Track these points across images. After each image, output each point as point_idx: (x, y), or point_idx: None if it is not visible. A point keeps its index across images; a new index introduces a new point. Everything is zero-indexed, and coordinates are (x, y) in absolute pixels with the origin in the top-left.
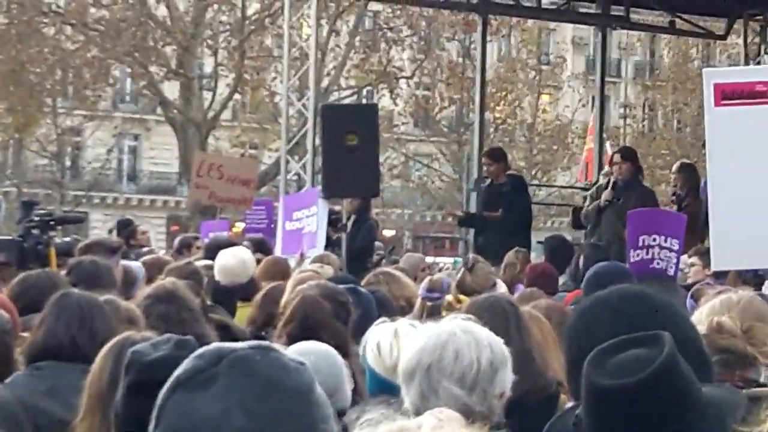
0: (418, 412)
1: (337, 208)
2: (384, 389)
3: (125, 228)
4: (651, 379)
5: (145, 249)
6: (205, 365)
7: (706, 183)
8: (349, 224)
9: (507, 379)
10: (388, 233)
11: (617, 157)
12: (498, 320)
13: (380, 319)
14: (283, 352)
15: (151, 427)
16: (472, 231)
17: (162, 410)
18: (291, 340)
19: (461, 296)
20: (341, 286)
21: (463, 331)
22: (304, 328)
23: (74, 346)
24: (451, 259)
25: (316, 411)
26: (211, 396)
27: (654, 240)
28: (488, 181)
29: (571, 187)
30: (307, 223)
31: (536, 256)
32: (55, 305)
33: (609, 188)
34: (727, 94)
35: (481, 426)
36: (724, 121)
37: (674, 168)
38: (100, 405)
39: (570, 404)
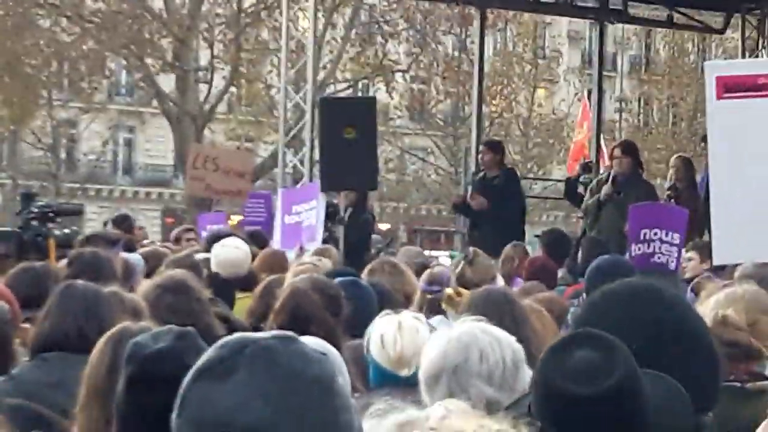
0: None
1: (335, 201)
2: (388, 381)
3: (122, 223)
4: (615, 387)
5: (145, 241)
6: (228, 355)
7: (703, 178)
8: (346, 217)
9: (526, 377)
10: (383, 227)
11: (618, 152)
12: (492, 312)
13: (383, 312)
14: (304, 342)
15: (173, 416)
16: (467, 225)
17: (184, 400)
18: None
19: (461, 289)
20: (341, 279)
21: (482, 332)
22: (293, 321)
23: (81, 336)
24: (446, 253)
25: (337, 401)
26: (233, 386)
27: (655, 234)
28: (481, 173)
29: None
30: (306, 216)
31: (532, 250)
32: (61, 296)
33: (609, 182)
34: (730, 87)
35: (503, 415)
36: (725, 114)
37: (671, 162)
38: (98, 395)
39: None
